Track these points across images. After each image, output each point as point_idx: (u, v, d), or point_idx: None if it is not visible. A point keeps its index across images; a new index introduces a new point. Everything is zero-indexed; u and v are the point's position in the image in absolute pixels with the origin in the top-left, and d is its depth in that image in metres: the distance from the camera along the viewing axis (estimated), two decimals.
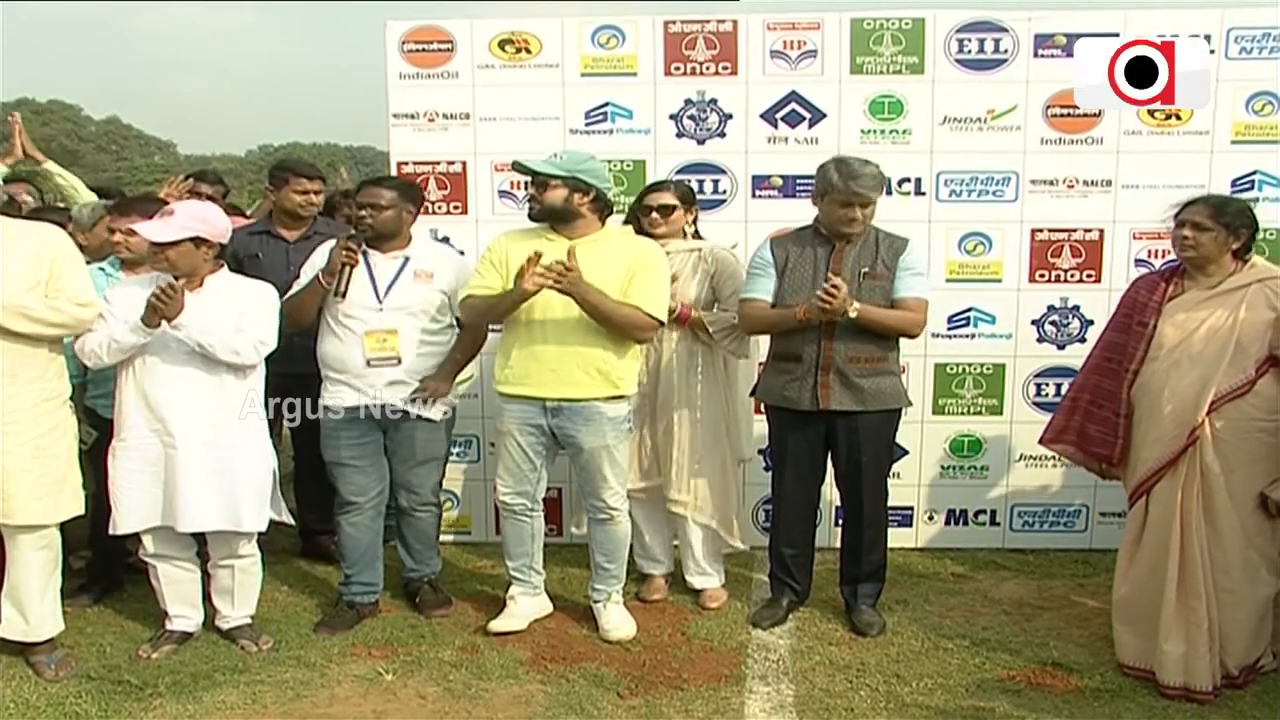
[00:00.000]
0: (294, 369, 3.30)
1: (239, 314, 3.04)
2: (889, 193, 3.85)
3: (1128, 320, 3.03)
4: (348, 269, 3.18)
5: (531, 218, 3.17)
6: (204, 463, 3.00)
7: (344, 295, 3.19)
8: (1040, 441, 3.30)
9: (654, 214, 3.39)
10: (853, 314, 3.02)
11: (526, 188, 3.24)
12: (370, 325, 3.21)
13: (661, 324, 3.18)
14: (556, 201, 3.11)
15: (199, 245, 2.99)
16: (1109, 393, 3.05)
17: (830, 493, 3.51)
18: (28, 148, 4.63)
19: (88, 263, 3.51)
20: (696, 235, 3.54)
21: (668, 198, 3.41)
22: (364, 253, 3.23)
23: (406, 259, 3.27)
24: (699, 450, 3.47)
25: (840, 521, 3.88)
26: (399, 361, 3.22)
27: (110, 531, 3.10)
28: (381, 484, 3.38)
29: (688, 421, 3.45)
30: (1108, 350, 3.09)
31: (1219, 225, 2.84)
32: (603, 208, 3.18)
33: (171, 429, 2.99)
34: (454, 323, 3.36)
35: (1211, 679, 2.79)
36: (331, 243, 3.27)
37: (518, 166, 3.19)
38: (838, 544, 3.55)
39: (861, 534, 3.31)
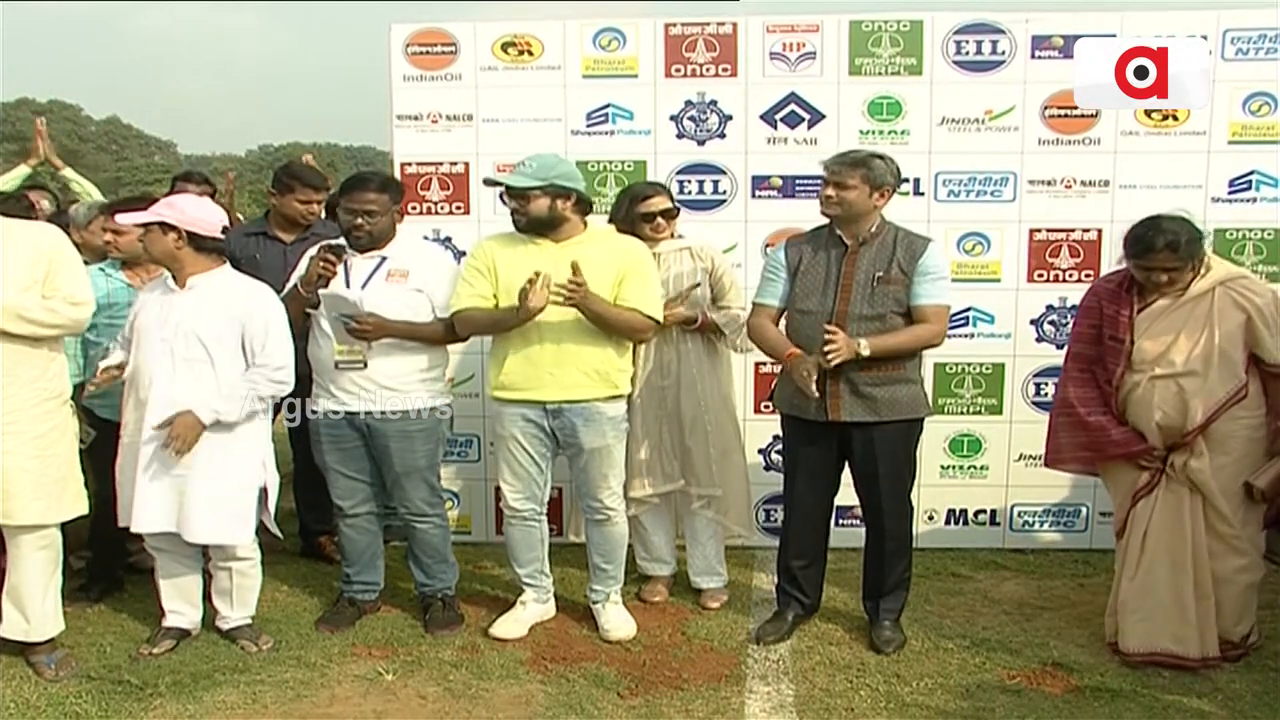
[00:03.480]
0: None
1: (244, 329, 3.01)
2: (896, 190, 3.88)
3: (1096, 332, 3.03)
4: (324, 280, 3.15)
5: (520, 230, 3.14)
6: (167, 464, 2.98)
7: (319, 305, 3.18)
8: (1046, 465, 3.27)
9: (659, 219, 3.37)
10: (865, 353, 2.93)
11: (504, 199, 3.16)
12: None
13: (658, 324, 3.17)
14: (541, 212, 3.09)
15: (166, 231, 2.98)
16: (1100, 399, 3.04)
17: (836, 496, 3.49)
18: (49, 153, 4.75)
19: (87, 262, 3.53)
20: (679, 235, 3.55)
21: (666, 201, 3.41)
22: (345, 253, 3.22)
23: (384, 259, 3.20)
24: (721, 447, 3.47)
25: (840, 523, 3.91)
26: (365, 365, 3.16)
27: (119, 523, 3.11)
28: (369, 489, 3.35)
29: (712, 420, 3.45)
30: (1080, 363, 3.08)
31: (1186, 260, 2.87)
32: (584, 207, 3.16)
33: (143, 427, 2.98)
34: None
35: (1216, 645, 2.96)
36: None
37: (490, 183, 3.14)
38: (839, 544, 3.55)
39: (883, 546, 3.19)
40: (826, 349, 2.90)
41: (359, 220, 3.13)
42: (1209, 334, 2.87)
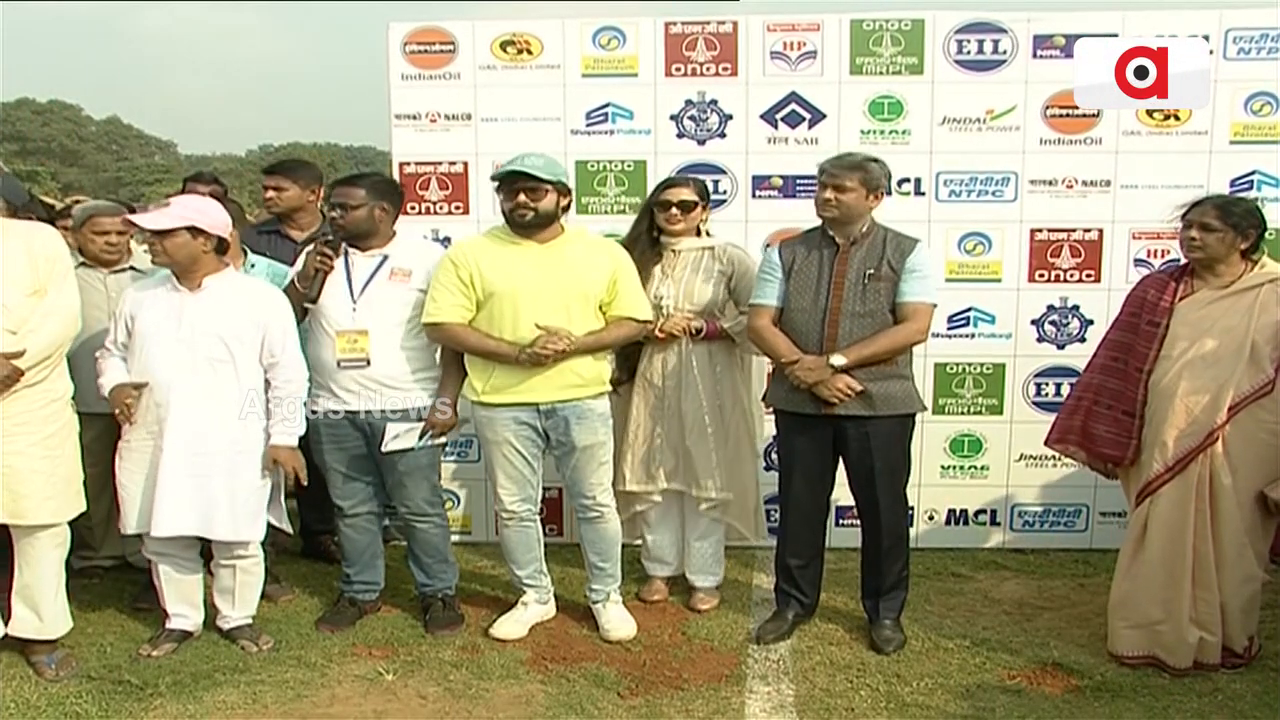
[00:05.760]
0: None
1: (266, 332, 3.04)
2: (888, 193, 3.88)
3: (1135, 320, 3.01)
4: (321, 274, 3.17)
5: (526, 225, 3.10)
6: (190, 466, 2.99)
7: (316, 300, 3.18)
8: (1046, 442, 3.28)
9: (673, 209, 3.34)
10: (838, 363, 2.98)
11: (508, 193, 3.07)
12: (342, 325, 3.17)
13: (649, 322, 3.24)
14: (551, 208, 3.09)
15: (196, 235, 2.98)
16: (1115, 392, 3.03)
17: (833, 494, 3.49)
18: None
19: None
20: (707, 233, 3.51)
21: (688, 193, 3.37)
22: (345, 252, 3.23)
23: (385, 258, 3.22)
24: (729, 448, 3.44)
25: (840, 523, 3.91)
26: (368, 363, 3.16)
27: (123, 532, 3.11)
28: (369, 489, 3.35)
29: (715, 421, 3.41)
30: (1113, 350, 3.08)
31: (1226, 226, 2.85)
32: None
33: (165, 430, 2.98)
34: None
35: (1219, 654, 2.94)
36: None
37: (512, 174, 3.03)
38: (839, 544, 3.54)
39: (880, 544, 3.19)
40: (797, 371, 3.02)
41: (334, 213, 3.21)
42: (1246, 327, 2.82)
